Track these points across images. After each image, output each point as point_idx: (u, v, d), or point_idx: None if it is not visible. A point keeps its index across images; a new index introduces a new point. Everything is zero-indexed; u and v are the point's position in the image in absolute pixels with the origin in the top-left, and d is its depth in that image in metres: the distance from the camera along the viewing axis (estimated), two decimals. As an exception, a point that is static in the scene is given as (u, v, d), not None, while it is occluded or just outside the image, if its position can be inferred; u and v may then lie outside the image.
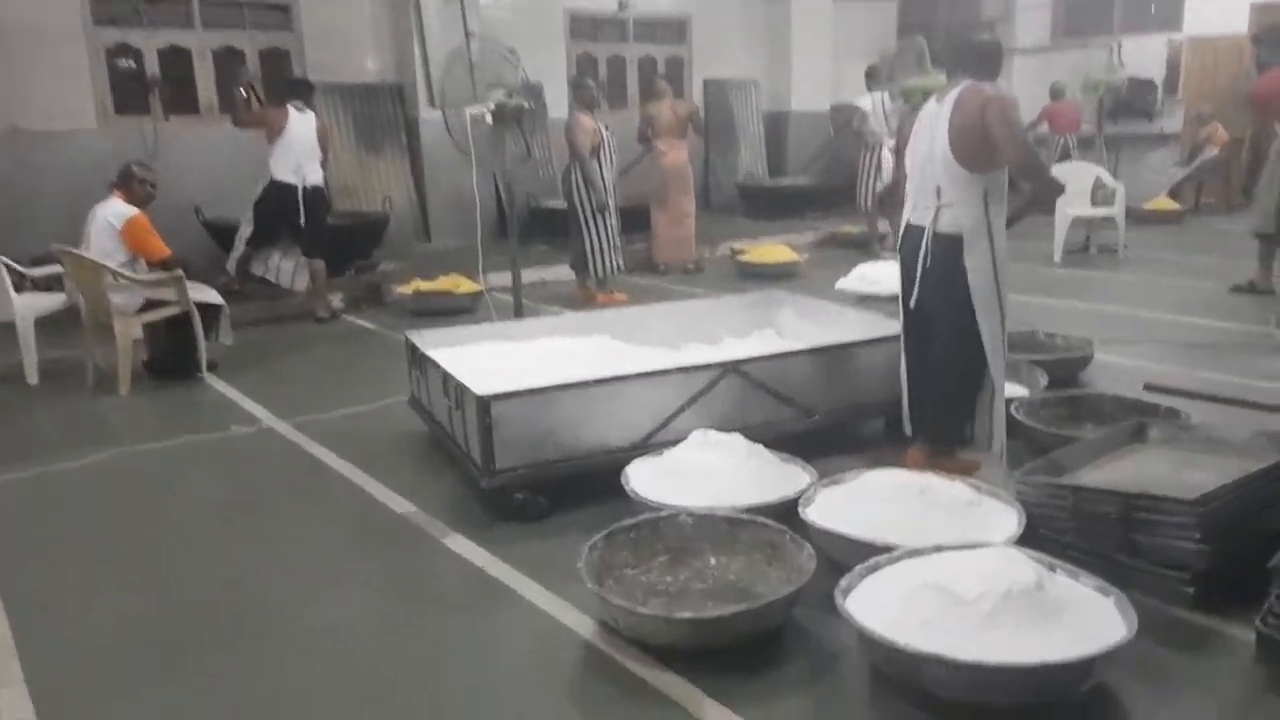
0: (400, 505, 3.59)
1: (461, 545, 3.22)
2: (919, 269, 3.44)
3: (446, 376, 3.60)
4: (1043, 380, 4.27)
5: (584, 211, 7.13)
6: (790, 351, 3.81)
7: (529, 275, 8.29)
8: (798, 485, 3.18)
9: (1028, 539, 2.73)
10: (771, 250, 8.38)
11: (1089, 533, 2.74)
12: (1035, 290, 6.78)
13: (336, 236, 7.51)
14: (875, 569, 2.54)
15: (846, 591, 2.44)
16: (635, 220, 8.54)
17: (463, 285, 7.12)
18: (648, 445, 3.50)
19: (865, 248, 9.35)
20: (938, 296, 3.42)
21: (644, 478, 3.25)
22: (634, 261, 8.44)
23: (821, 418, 3.82)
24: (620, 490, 3.23)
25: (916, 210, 3.45)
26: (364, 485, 3.81)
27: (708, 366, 3.64)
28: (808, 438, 3.80)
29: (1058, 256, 8.43)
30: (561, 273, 8.18)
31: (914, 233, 3.46)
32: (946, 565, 2.42)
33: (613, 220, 7.27)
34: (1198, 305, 6.47)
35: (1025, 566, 2.33)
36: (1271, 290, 6.62)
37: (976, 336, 3.34)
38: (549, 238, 9.15)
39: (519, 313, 5.29)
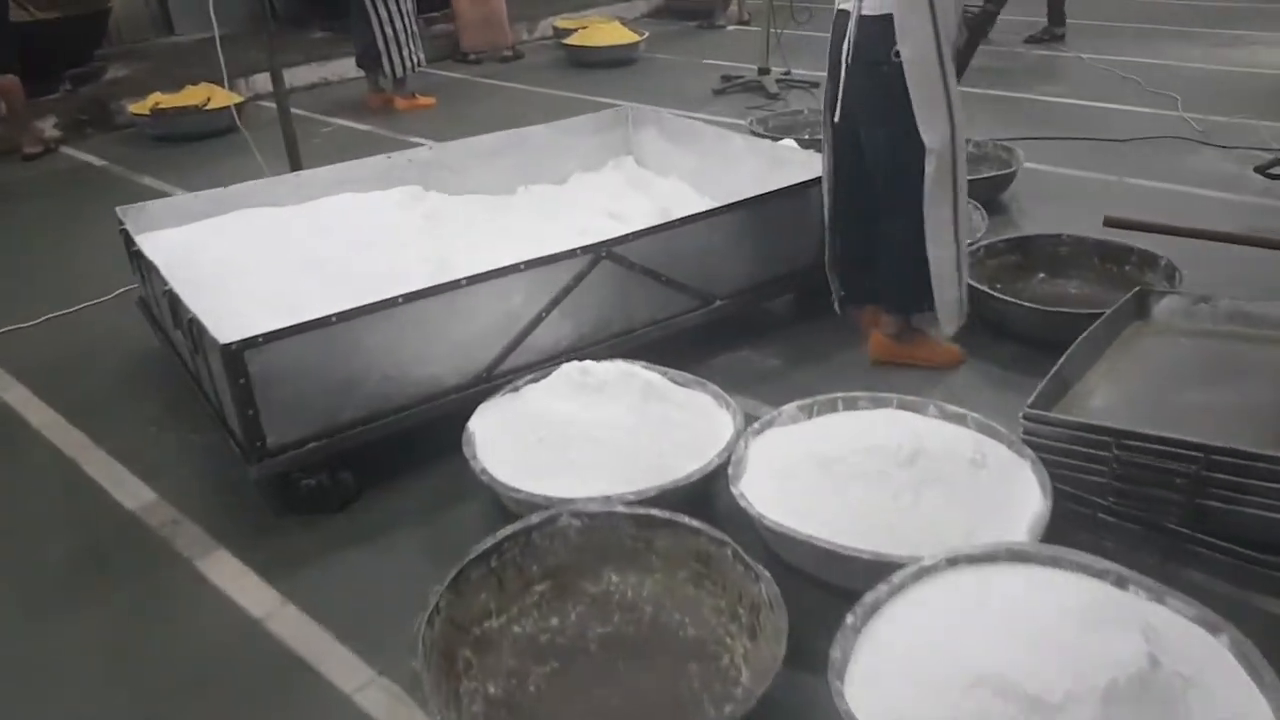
0: (133, 494, 2.42)
1: (228, 573, 2.13)
2: (843, 68, 2.57)
3: (175, 300, 2.36)
4: (982, 221, 3.39)
5: (370, -11, 5.55)
6: (678, 221, 2.74)
7: (303, 75, 6.68)
8: (719, 437, 2.23)
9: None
10: (604, 30, 7.00)
11: (1138, 497, 1.95)
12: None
13: (34, 36, 5.64)
14: (875, 613, 1.67)
15: (842, 672, 1.57)
16: (432, -4, 6.93)
17: (217, 97, 5.51)
18: (492, 378, 2.44)
19: (708, 19, 8.08)
20: (867, 105, 2.56)
21: (497, 445, 2.21)
22: (435, 50, 6.91)
23: (725, 303, 2.84)
24: (460, 445, 2.21)
25: None
26: (76, 456, 2.60)
27: (571, 255, 2.54)
28: (707, 332, 2.84)
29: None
30: (346, 69, 6.60)
31: (839, 21, 2.58)
32: (991, 618, 1.58)
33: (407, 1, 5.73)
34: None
35: (1126, 628, 1.50)
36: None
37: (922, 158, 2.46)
38: (329, 20, 7.34)
39: (291, 145, 3.91)
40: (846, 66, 2.55)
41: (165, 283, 2.41)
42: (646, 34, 6.97)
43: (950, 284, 2.61)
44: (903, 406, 2.27)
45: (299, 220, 3.07)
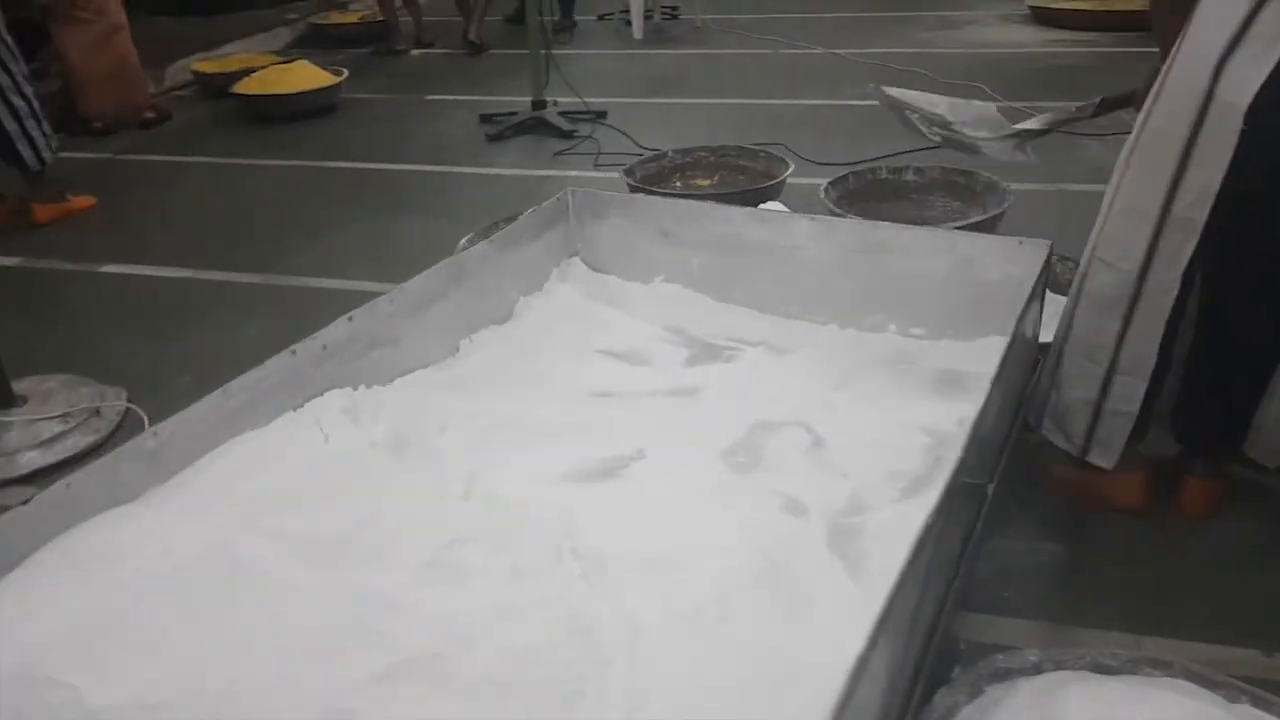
0: None
1: None
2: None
3: None
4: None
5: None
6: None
7: None
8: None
9: None
10: (290, 72, 5.38)
11: None
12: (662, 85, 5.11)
13: None
14: None
15: None
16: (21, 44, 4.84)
17: None
18: None
19: (384, 43, 6.69)
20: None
21: None
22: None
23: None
24: None
25: None
26: None
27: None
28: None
29: (639, 33, 6.75)
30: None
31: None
32: None
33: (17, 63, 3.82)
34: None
35: None
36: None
37: None
38: None
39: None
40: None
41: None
42: (346, 72, 5.50)
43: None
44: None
45: (174, 523, 1.54)
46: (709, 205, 2.47)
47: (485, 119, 4.97)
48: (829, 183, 3.31)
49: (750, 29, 6.71)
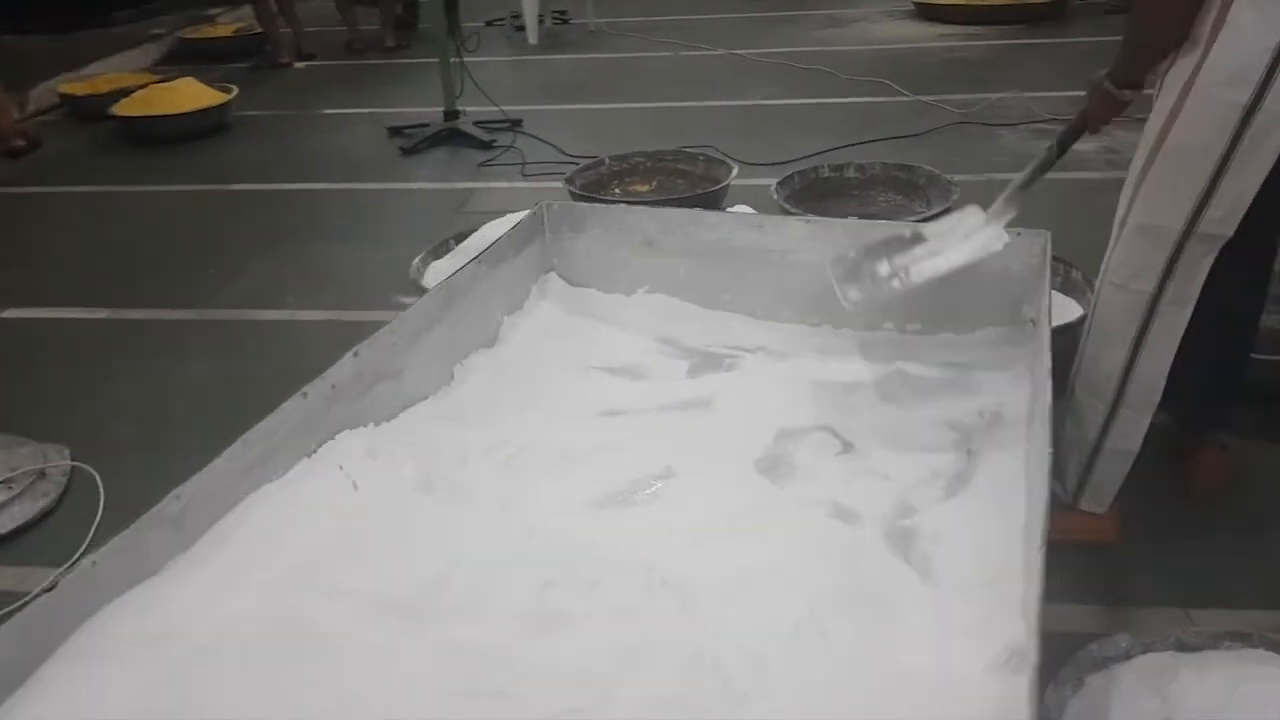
0: None
1: None
2: None
3: None
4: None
5: None
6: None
7: None
8: None
9: None
10: (175, 91, 5.02)
11: None
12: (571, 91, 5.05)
13: None
14: None
15: None
16: None
17: None
18: None
19: (265, 58, 6.36)
20: None
21: None
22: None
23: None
24: None
25: None
26: None
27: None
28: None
29: (534, 38, 6.64)
30: None
31: None
32: None
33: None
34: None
35: None
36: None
37: None
38: None
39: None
40: None
41: None
42: (236, 89, 5.19)
43: None
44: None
45: (224, 593, 1.39)
46: (696, 212, 2.42)
47: (394, 132, 4.78)
48: (777, 183, 3.32)
49: (644, 32, 6.70)
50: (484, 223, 3.11)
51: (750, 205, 3.29)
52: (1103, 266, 1.77)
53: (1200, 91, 1.50)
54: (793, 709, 1.21)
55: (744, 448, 1.98)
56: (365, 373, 1.87)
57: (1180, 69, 1.54)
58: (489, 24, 7.08)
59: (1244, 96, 1.45)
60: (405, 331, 1.99)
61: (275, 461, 1.66)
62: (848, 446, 1.98)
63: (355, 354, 1.84)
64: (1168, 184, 1.60)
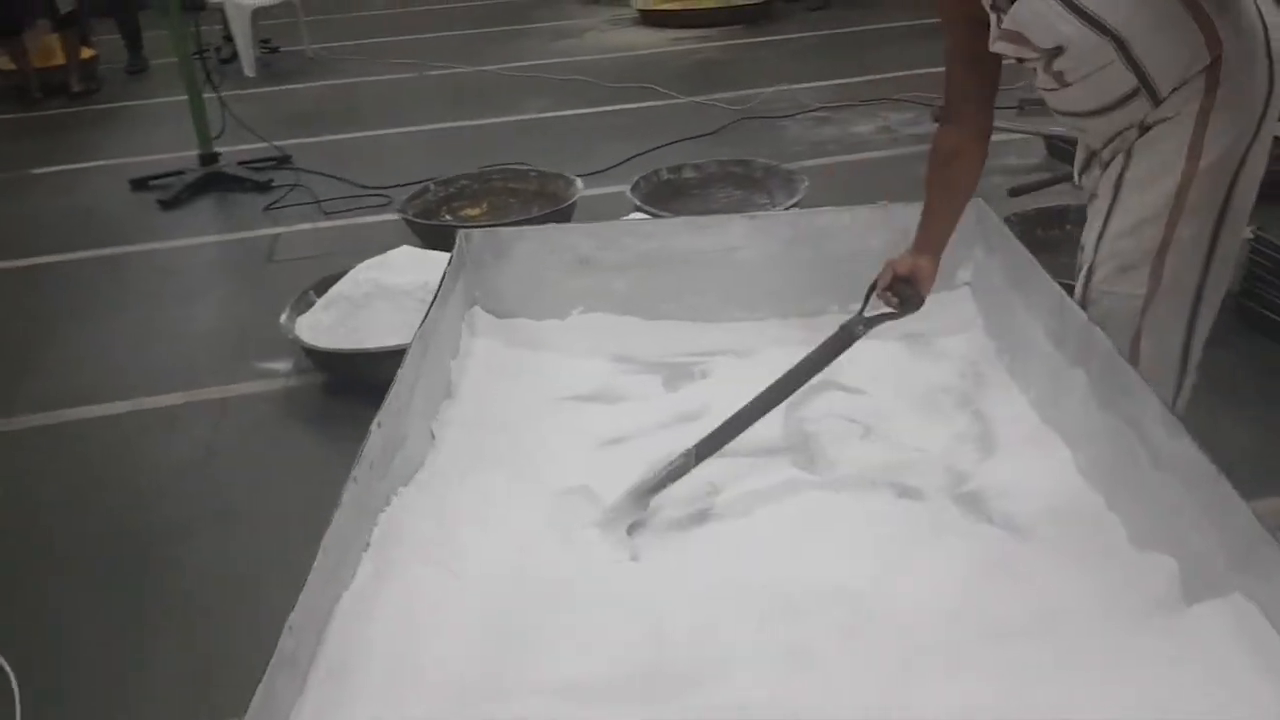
0: None
1: None
2: None
3: None
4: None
5: None
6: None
7: None
8: None
9: None
10: None
11: None
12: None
13: None
14: None
15: None
16: None
17: None
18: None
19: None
20: None
21: None
22: None
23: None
24: None
25: None
26: None
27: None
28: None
29: (250, 70, 6.07)
30: None
31: None
32: None
33: None
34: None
35: None
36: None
37: None
38: None
39: None
40: None
41: None
42: None
43: None
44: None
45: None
46: (633, 223, 2.34)
47: (139, 184, 4.19)
48: (630, 189, 3.29)
49: (368, 55, 6.38)
50: (310, 269, 2.84)
51: (597, 214, 3.23)
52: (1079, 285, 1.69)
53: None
54: None
55: (771, 449, 1.94)
56: (388, 445, 1.62)
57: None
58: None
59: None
60: (406, 394, 1.74)
61: (345, 566, 1.39)
62: (868, 430, 2.00)
63: (379, 425, 1.59)
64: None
